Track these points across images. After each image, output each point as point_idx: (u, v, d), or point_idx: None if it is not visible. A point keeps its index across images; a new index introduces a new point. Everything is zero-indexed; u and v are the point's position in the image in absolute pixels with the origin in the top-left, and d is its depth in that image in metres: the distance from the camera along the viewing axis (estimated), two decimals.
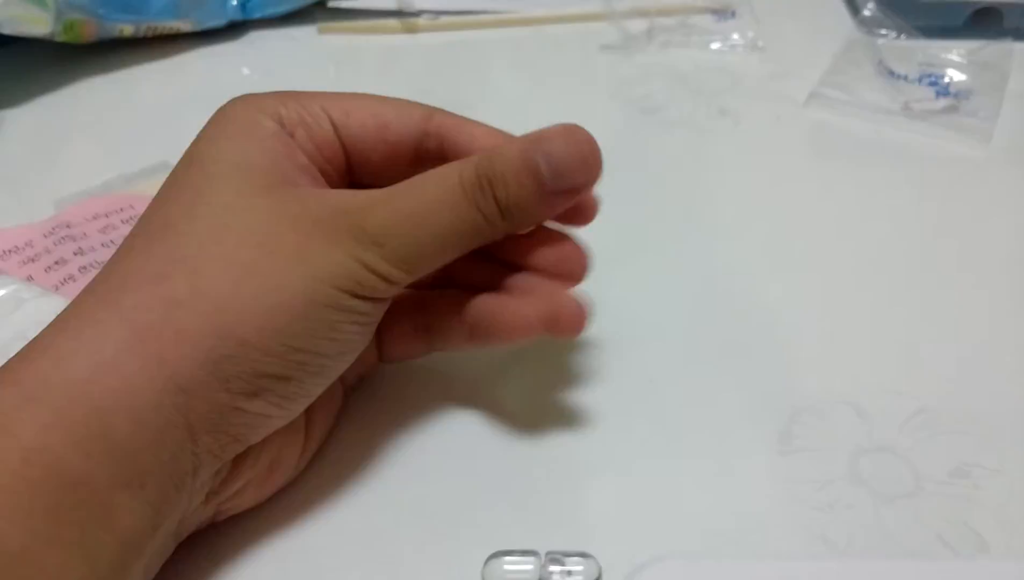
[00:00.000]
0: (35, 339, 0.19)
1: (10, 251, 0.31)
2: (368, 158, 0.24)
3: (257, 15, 0.45)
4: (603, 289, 0.29)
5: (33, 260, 0.30)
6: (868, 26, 0.43)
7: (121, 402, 0.18)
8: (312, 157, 0.23)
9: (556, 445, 0.25)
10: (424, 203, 0.21)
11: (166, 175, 0.22)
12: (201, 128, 0.23)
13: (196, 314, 0.19)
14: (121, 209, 0.33)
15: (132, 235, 0.21)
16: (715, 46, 0.45)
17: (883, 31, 0.43)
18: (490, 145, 0.24)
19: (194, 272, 0.19)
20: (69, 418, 0.17)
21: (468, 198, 0.21)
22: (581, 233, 0.24)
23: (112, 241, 0.32)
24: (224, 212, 0.20)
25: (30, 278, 0.30)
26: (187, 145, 0.22)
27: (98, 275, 0.20)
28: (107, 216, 0.32)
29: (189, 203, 0.21)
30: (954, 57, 0.42)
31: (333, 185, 0.24)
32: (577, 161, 0.22)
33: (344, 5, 0.47)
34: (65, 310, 0.20)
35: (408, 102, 0.25)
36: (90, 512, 0.17)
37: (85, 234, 0.32)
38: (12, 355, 0.19)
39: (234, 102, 0.23)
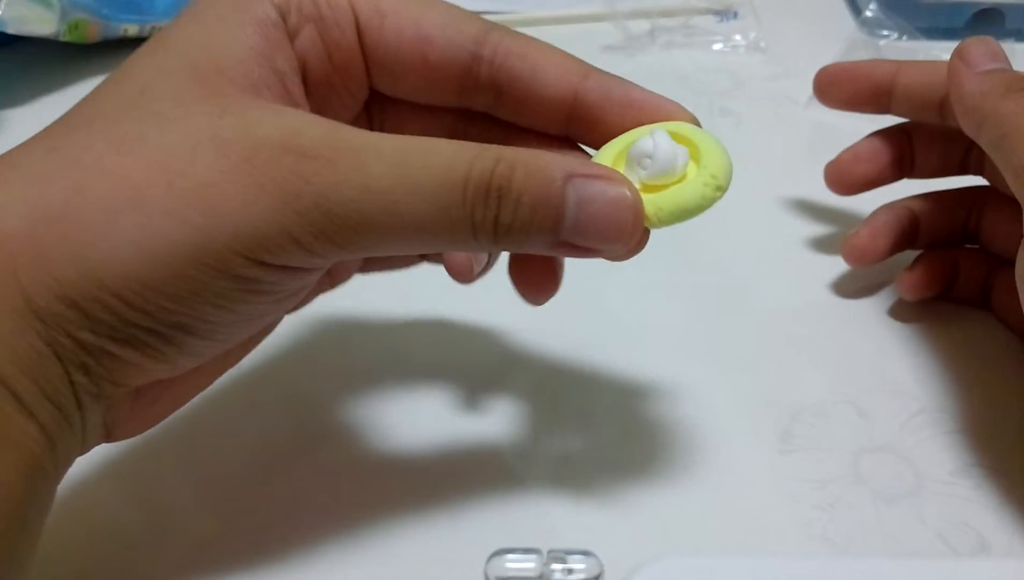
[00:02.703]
0: None
1: None
2: (400, 77, 0.20)
3: None
4: (603, 289, 0.30)
5: None
6: (870, 27, 0.43)
7: None
8: (311, 64, 0.19)
9: (558, 443, 0.25)
10: (409, 184, 0.16)
11: None
12: None
13: (61, 239, 0.16)
14: None
15: (61, 118, 0.18)
16: (717, 47, 0.45)
17: (885, 32, 0.43)
18: (561, 83, 0.19)
19: (78, 186, 0.16)
20: None
21: (467, 201, 0.17)
22: None
23: None
24: (144, 120, 0.17)
25: None
26: None
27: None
28: None
29: (115, 98, 0.17)
30: None
31: (338, 104, 0.20)
32: (612, 227, 0.18)
33: None
34: None
35: (463, 13, 0.20)
36: None
37: None
38: None
39: None
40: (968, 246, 0.29)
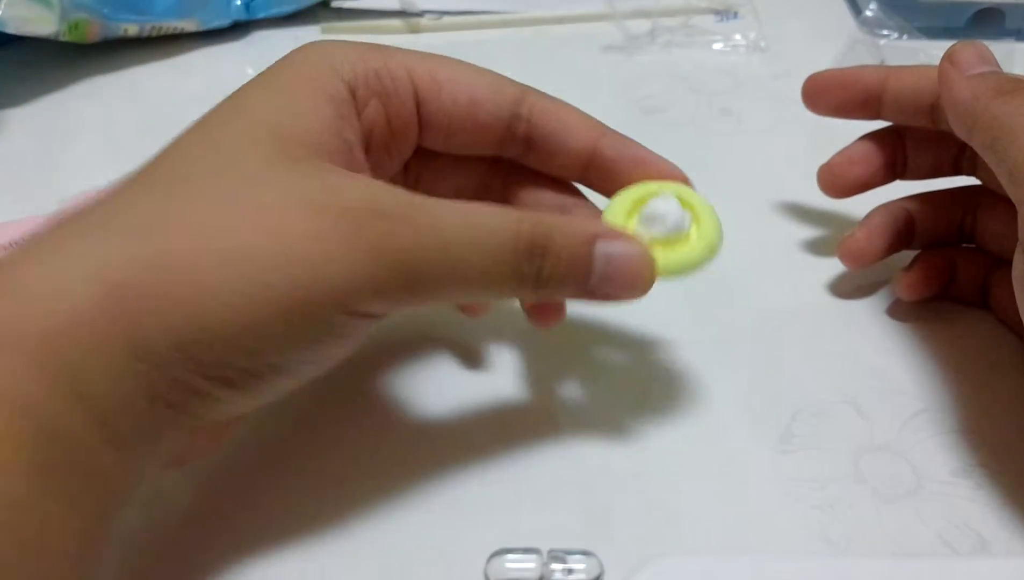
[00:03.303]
0: (5, 266, 0.18)
1: (14, 244, 0.31)
2: (452, 136, 0.23)
3: (261, 15, 0.45)
4: None
5: None
6: (870, 27, 0.43)
7: (92, 361, 0.17)
8: (374, 132, 0.22)
9: (558, 443, 0.25)
10: (472, 236, 0.19)
11: None
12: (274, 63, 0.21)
13: (169, 284, 0.17)
14: None
15: (135, 174, 0.19)
16: (717, 47, 0.45)
17: (885, 32, 0.43)
18: (584, 139, 0.23)
19: (182, 238, 0.18)
20: (51, 373, 0.16)
21: (516, 254, 0.20)
22: None
23: None
24: (239, 181, 0.19)
25: None
26: None
27: (81, 209, 0.19)
28: None
29: (205, 160, 0.19)
30: None
31: (387, 162, 0.23)
32: (631, 279, 0.21)
33: (347, 5, 0.47)
34: (37, 239, 0.18)
35: (501, 78, 0.23)
36: (79, 465, 0.17)
37: None
38: None
39: (313, 47, 0.21)
40: (965, 246, 0.29)
